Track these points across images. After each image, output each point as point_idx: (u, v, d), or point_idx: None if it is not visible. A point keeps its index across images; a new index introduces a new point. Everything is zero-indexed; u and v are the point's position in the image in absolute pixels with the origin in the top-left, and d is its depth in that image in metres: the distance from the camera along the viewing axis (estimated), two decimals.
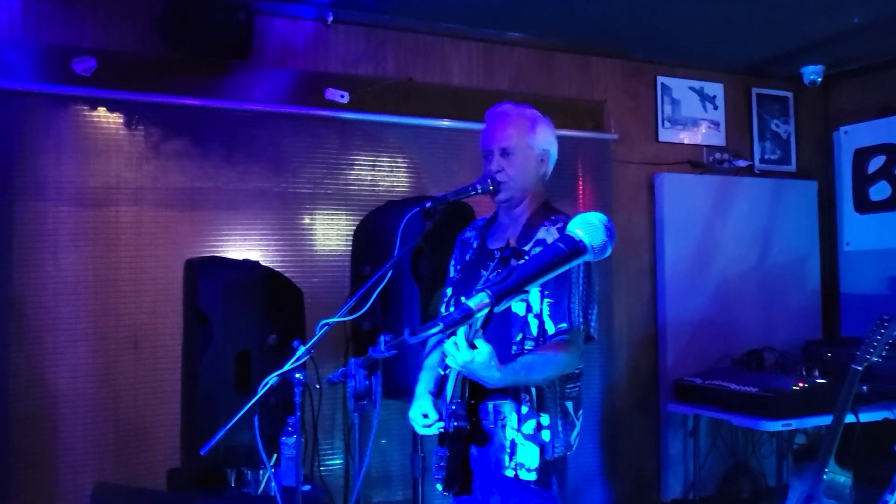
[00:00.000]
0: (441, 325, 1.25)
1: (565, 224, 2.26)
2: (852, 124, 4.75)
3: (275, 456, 2.76)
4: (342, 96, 3.70)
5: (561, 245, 1.29)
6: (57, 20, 3.24)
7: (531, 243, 2.28)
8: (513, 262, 1.93)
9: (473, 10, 3.71)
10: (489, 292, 1.20)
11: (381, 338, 1.46)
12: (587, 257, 1.31)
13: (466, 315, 1.23)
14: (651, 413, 4.35)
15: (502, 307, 1.20)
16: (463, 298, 1.27)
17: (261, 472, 2.84)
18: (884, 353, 3.21)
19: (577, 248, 1.29)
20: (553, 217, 2.35)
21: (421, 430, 2.26)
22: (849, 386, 3.21)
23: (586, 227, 1.34)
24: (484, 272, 2.27)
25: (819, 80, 4.61)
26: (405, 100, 3.86)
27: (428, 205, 2.35)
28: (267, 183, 3.59)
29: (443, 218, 2.62)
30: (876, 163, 4.58)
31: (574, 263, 1.31)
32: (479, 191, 2.40)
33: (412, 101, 3.88)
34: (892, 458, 3.03)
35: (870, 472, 3.27)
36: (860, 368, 3.20)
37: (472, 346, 1.80)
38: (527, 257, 2.10)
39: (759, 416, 3.67)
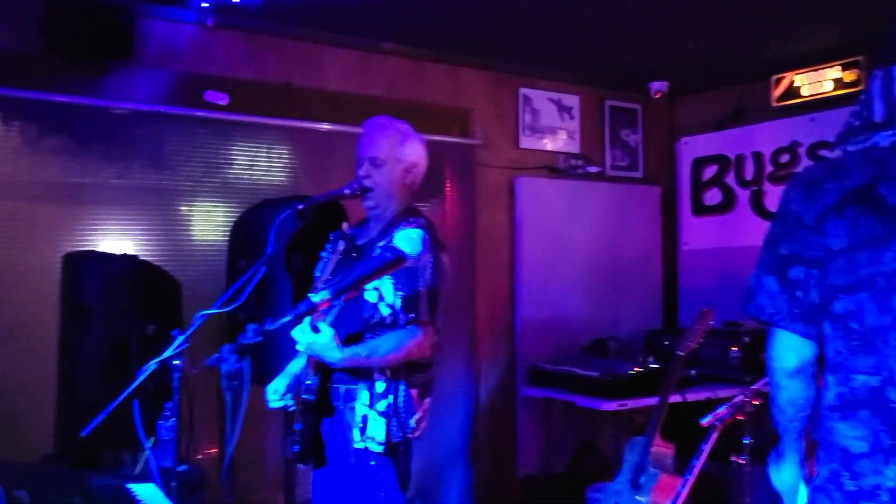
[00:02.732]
0: (291, 316, 1.53)
1: (420, 225, 2.58)
2: (691, 136, 5.26)
3: (152, 439, 2.94)
4: (222, 98, 3.87)
5: (387, 254, 1.60)
6: None
7: (387, 241, 2.56)
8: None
9: (349, 20, 3.94)
10: (329, 290, 1.49)
11: (249, 326, 1.72)
12: (407, 264, 1.63)
13: (310, 308, 1.52)
14: (508, 397, 4.72)
15: (339, 300, 1.49)
16: (310, 294, 1.57)
17: (138, 453, 3.00)
18: (701, 341, 3.70)
19: (399, 256, 1.61)
20: (410, 219, 2.60)
21: (271, 404, 2.53)
22: (672, 370, 3.68)
23: (407, 241, 1.65)
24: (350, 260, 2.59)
25: (664, 94, 5.11)
26: (284, 103, 4.05)
27: (300, 206, 2.61)
28: (147, 179, 3.71)
29: (316, 217, 2.90)
30: (710, 171, 5.13)
31: (397, 268, 1.63)
32: (348, 194, 2.66)
33: (291, 104, 4.07)
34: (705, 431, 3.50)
35: (691, 445, 3.74)
36: (682, 354, 3.67)
37: (316, 330, 2.11)
38: (378, 248, 2.43)
39: (599, 397, 4.10)
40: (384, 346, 2.41)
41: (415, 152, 2.67)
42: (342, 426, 2.51)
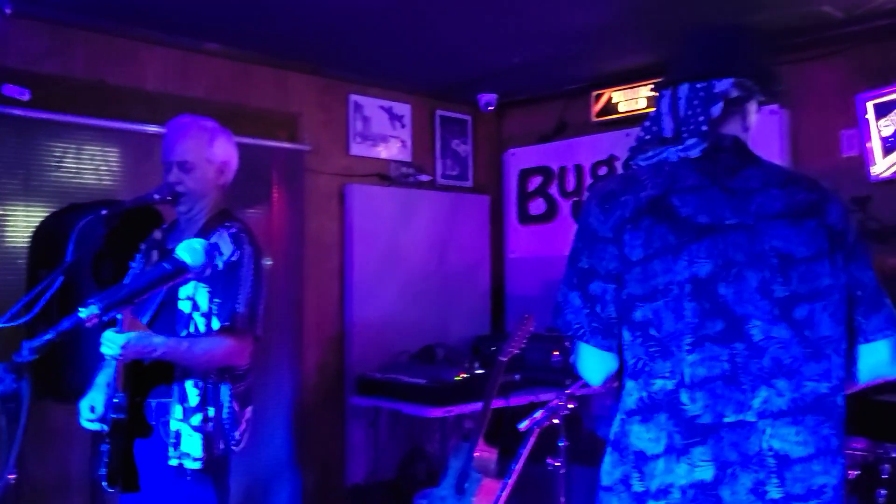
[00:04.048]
0: (53, 333, 1.42)
1: (238, 230, 2.50)
2: (518, 147, 5.42)
3: None
4: (22, 93, 3.58)
5: (166, 265, 1.53)
6: None
7: None
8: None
9: (168, 17, 3.76)
10: (98, 304, 1.39)
11: (24, 343, 1.58)
12: (188, 275, 1.56)
13: (76, 324, 1.41)
14: (337, 406, 4.65)
15: (110, 316, 1.40)
16: (79, 308, 1.46)
17: None
18: (523, 346, 3.81)
19: (180, 267, 1.53)
20: (227, 223, 2.53)
21: (85, 423, 2.36)
22: (494, 375, 3.76)
23: (189, 251, 1.59)
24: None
25: (492, 106, 5.24)
26: (96, 101, 3.81)
27: (104, 212, 2.46)
28: None
29: (128, 222, 2.74)
30: (534, 182, 5.31)
31: (178, 281, 1.56)
32: (158, 199, 2.54)
33: (104, 102, 3.83)
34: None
35: (515, 448, 3.84)
36: (504, 360, 3.76)
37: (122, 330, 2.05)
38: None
39: (426, 404, 4.12)
40: (203, 344, 2.35)
41: (225, 150, 2.60)
42: (156, 445, 2.38)
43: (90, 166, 3.84)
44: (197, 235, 2.49)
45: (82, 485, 3.59)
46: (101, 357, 2.75)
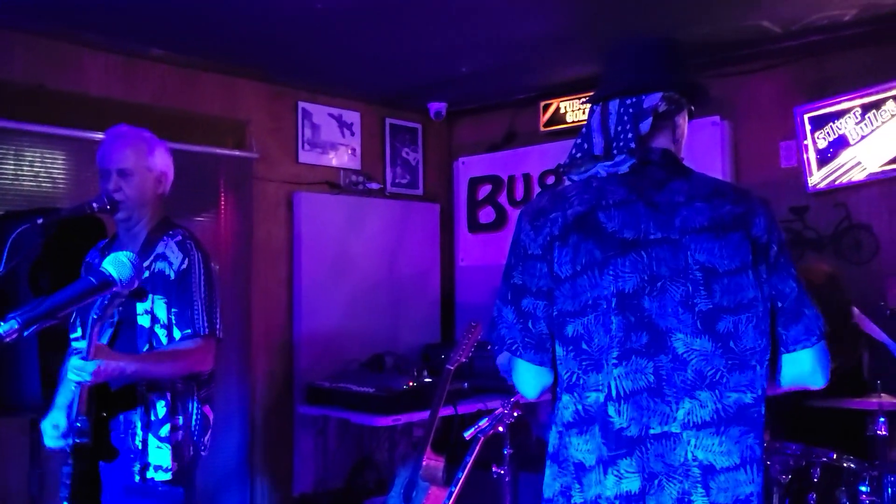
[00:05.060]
0: None
1: (183, 237, 2.48)
2: (468, 156, 5.45)
3: None
4: None
5: (91, 279, 1.51)
6: None
7: (151, 258, 2.44)
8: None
9: (111, 21, 3.70)
10: (17, 320, 1.36)
11: None
12: (115, 289, 1.55)
13: None
14: (286, 415, 4.62)
15: (31, 332, 1.37)
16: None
17: None
18: (471, 354, 3.82)
19: (106, 280, 1.52)
20: (171, 232, 2.52)
21: (50, 442, 2.32)
22: (442, 383, 3.77)
23: (116, 264, 1.57)
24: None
25: (443, 115, 5.27)
26: (35, 106, 3.73)
27: (40, 221, 2.43)
28: None
29: (69, 231, 2.70)
30: (484, 191, 5.34)
31: (104, 294, 1.55)
32: (96, 208, 2.50)
33: (45, 108, 3.76)
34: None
35: (461, 457, 3.85)
36: (452, 368, 3.77)
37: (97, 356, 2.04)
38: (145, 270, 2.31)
39: (374, 413, 4.11)
40: (169, 356, 2.35)
41: (164, 161, 2.60)
42: (124, 460, 2.35)
43: (29, 173, 3.77)
44: (141, 249, 2.46)
45: (20, 500, 3.50)
46: (37, 370, 2.71)
